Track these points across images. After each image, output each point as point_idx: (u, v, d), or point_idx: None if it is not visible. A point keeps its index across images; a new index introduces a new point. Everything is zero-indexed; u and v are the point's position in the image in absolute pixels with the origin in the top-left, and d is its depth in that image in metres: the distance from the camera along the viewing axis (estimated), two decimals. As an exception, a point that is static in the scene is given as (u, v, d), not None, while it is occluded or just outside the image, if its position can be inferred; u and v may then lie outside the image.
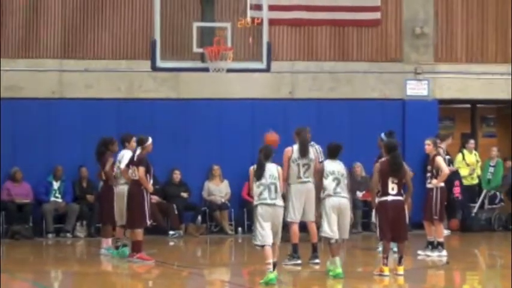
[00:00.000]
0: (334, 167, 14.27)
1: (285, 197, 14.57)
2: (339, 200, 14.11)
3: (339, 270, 13.81)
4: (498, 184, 21.25)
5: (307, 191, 15.02)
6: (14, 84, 20.66)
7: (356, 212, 20.09)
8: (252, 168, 13.44)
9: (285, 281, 13.62)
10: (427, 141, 16.65)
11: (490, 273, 15.83)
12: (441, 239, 16.34)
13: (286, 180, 14.69)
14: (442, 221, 16.80)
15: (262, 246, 13.13)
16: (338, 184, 14.17)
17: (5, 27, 20.53)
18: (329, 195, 14.08)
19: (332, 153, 14.46)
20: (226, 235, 20.46)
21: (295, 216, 14.98)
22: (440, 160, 16.45)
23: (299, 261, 14.96)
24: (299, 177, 14.96)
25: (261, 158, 13.49)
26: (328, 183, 14.16)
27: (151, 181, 16.54)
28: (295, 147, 15.06)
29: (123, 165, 16.21)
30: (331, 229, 13.94)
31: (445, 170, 16.37)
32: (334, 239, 13.98)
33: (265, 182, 13.21)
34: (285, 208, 14.44)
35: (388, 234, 13.92)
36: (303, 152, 14.97)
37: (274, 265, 13.34)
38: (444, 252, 16.15)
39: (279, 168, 13.59)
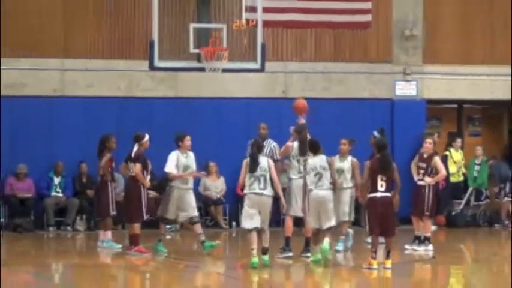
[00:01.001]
0: (316, 162, 14.65)
1: (285, 190, 14.83)
2: (320, 193, 14.52)
3: (319, 256, 14.29)
4: (483, 182, 21.33)
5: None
6: (16, 82, 20.70)
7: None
8: (246, 161, 13.87)
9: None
10: (429, 140, 16.72)
11: (475, 267, 15.94)
12: (428, 234, 16.45)
13: (285, 172, 15.11)
14: (432, 218, 16.92)
15: (250, 230, 13.81)
16: (320, 178, 14.62)
17: (7, 27, 20.55)
18: (311, 190, 14.51)
19: (313, 149, 14.72)
20: (221, 229, 20.61)
21: (294, 212, 15.06)
22: (439, 160, 16.57)
23: (291, 254, 15.05)
24: (300, 172, 15.05)
25: (254, 151, 14.14)
26: (310, 179, 14.55)
27: (149, 177, 16.63)
28: (295, 144, 15.13)
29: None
30: (313, 220, 14.46)
31: (444, 171, 16.53)
32: (316, 228, 14.50)
33: (256, 174, 13.82)
34: (287, 202, 14.74)
35: (376, 229, 14.07)
36: (302, 151, 15.05)
37: (267, 249, 14.04)
38: (430, 247, 16.28)
39: (270, 160, 14.23)
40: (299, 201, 15.00)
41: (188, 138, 16.17)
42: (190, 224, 16.38)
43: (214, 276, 14.67)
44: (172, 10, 18.55)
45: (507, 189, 21.36)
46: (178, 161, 15.91)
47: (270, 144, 16.14)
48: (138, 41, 20.21)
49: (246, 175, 14.13)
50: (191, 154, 16.10)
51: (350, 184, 16.07)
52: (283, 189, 14.90)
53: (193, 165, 16.14)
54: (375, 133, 16.54)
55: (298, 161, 15.13)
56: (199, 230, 16.12)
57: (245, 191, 14.15)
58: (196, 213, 16.22)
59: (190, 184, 16.24)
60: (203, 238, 16.01)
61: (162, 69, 19.11)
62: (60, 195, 20.63)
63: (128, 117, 20.02)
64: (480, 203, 21.63)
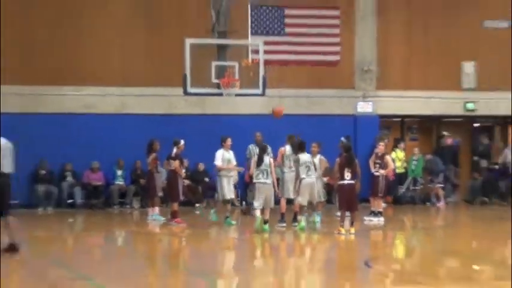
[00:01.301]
0: (305, 158, 14.87)
1: (278, 180, 14.99)
2: (309, 180, 14.76)
3: (303, 224, 14.67)
4: (419, 173, 21.38)
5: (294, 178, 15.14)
6: (89, 104, 20.82)
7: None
8: (254, 159, 14.22)
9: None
10: (381, 143, 16.82)
11: (413, 233, 16.10)
12: (380, 209, 16.58)
13: (280, 167, 15.10)
14: (383, 198, 17.02)
15: (258, 209, 14.20)
16: (309, 170, 14.79)
17: (82, 65, 20.58)
18: (303, 178, 14.69)
19: (301, 148, 14.88)
20: (235, 206, 20.64)
21: (287, 195, 15.16)
22: (389, 158, 16.67)
23: (284, 225, 15.15)
24: (290, 167, 15.13)
25: (260, 153, 14.37)
26: (302, 170, 14.75)
27: (184, 170, 16.76)
28: (287, 147, 15.23)
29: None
30: (303, 199, 14.74)
31: (392, 166, 16.66)
32: (304, 205, 14.83)
33: (261, 168, 13.99)
34: (281, 188, 14.92)
35: (344, 206, 14.25)
36: (294, 151, 15.15)
37: (267, 221, 14.30)
38: (382, 219, 16.39)
39: (271, 159, 14.34)
40: (290, 188, 15.11)
41: (229, 139, 16.07)
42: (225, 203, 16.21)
43: (230, 239, 14.81)
44: (199, 52, 18.60)
45: (440, 178, 21.28)
46: (223, 156, 15.83)
47: (267, 148, 16.20)
48: (175, 74, 20.16)
49: (254, 169, 14.40)
50: (231, 152, 15.97)
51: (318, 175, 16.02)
52: (277, 179, 15.13)
53: (233, 160, 16.00)
54: (343, 139, 16.59)
55: (289, 160, 15.19)
56: (229, 208, 16.29)
57: (254, 181, 14.45)
58: (232, 196, 16.31)
59: (232, 173, 16.20)
60: (228, 215, 16.06)
61: (192, 94, 18.95)
62: (122, 183, 20.77)
63: (168, 128, 19.93)
64: (416, 187, 21.71)
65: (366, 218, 16.43)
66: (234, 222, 16.05)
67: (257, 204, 14.30)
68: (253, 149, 17.18)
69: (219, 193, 16.09)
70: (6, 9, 19.94)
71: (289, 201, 15.54)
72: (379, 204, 16.60)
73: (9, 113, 19.32)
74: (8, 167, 11.48)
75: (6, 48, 19.95)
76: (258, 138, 16.97)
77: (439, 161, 21.35)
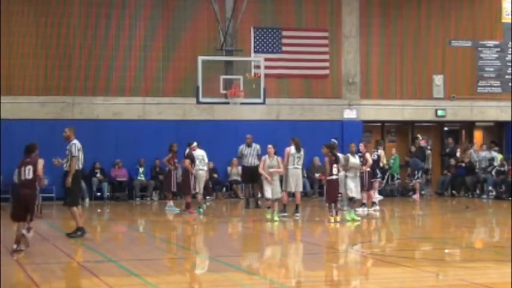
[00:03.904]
0: (301, 155, 14.80)
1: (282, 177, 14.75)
2: (297, 171, 14.72)
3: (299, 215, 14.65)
4: (396, 169, 21.21)
5: (297, 173, 14.94)
6: (116, 111, 20.73)
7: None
8: (264, 158, 13.97)
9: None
10: (361, 144, 16.67)
11: (392, 219, 15.96)
12: (365, 201, 16.31)
13: (285, 166, 14.77)
14: (369, 192, 16.64)
15: (267, 199, 13.99)
16: (298, 162, 14.76)
17: (108, 75, 20.50)
18: (289, 169, 14.64)
19: (297, 146, 14.72)
20: (239, 199, 20.55)
21: (290, 189, 14.90)
22: (369, 156, 16.52)
23: (286, 214, 14.87)
24: (293, 164, 14.91)
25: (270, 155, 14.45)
26: (291, 161, 14.66)
27: (206, 168, 16.69)
28: (292, 147, 14.99)
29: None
30: (290, 187, 14.70)
31: (370, 161, 16.45)
32: (291, 191, 14.77)
33: (268, 165, 13.68)
34: (285, 183, 14.72)
35: (331, 198, 14.05)
36: (297, 150, 14.94)
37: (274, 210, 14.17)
38: (377, 208, 16.41)
39: (279, 158, 14.06)
40: (293, 183, 14.84)
41: (195, 143, 16.12)
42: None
43: (237, 226, 14.68)
44: (209, 67, 18.61)
45: (419, 174, 20.95)
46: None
47: (256, 147, 16.87)
48: (189, 86, 20.20)
49: (264, 167, 14.04)
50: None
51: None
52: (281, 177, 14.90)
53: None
54: (333, 140, 16.49)
55: (293, 158, 14.93)
56: (201, 199, 16.48)
57: (262, 178, 14.10)
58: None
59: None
60: (201, 205, 16.24)
61: (203, 103, 19.09)
62: (143, 179, 20.61)
63: (183, 132, 19.91)
64: (394, 182, 21.52)
65: (357, 209, 15.95)
66: (202, 210, 16.06)
67: (266, 196, 14.03)
68: (244, 149, 17.22)
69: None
70: (47, 32, 20.01)
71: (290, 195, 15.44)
72: (370, 196, 16.40)
73: (50, 120, 19.47)
74: (80, 164, 11.79)
75: (49, 63, 20.00)
76: (248, 141, 17.27)
77: (419, 161, 21.17)
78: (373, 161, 16.71)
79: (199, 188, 16.32)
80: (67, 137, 11.77)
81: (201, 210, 16.14)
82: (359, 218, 14.08)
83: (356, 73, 22.10)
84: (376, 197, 17.31)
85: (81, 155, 11.70)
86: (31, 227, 10.02)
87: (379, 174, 17.98)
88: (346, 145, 20.46)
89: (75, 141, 11.71)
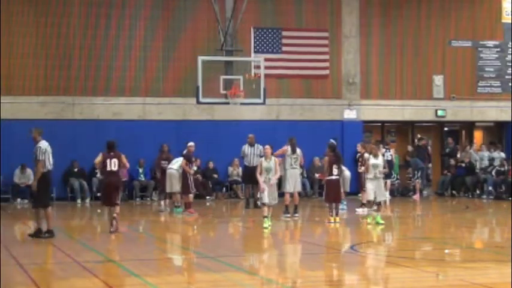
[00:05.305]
0: (295, 155, 14.80)
1: (281, 178, 14.64)
2: (294, 171, 14.72)
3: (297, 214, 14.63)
4: (396, 170, 21.15)
5: (295, 174, 14.93)
6: (116, 111, 20.68)
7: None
8: (260, 161, 13.69)
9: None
10: (359, 145, 16.63)
11: (393, 218, 15.92)
12: (365, 201, 16.13)
13: (283, 166, 14.69)
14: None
15: (264, 204, 13.42)
16: (295, 162, 14.77)
17: (108, 75, 20.48)
18: (287, 170, 14.70)
19: (293, 147, 14.72)
20: (239, 199, 20.51)
21: (289, 189, 14.88)
22: (367, 157, 16.42)
23: (288, 215, 14.85)
24: (291, 165, 14.92)
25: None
26: (288, 162, 14.70)
27: (194, 167, 16.55)
28: (289, 147, 14.95)
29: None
30: (288, 187, 14.72)
31: (369, 162, 16.32)
32: (290, 192, 14.70)
33: (265, 167, 13.41)
34: (284, 184, 14.67)
35: (331, 198, 14.03)
36: (293, 150, 14.94)
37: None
38: (366, 209, 16.08)
39: (276, 159, 13.84)
40: (291, 183, 14.83)
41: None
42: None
43: (236, 226, 14.70)
44: (209, 68, 18.60)
45: (419, 174, 20.91)
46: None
47: (259, 147, 16.54)
48: (189, 86, 20.18)
49: (261, 169, 13.49)
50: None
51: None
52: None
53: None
54: (332, 140, 16.47)
55: (290, 158, 14.93)
56: (179, 199, 16.32)
57: (261, 179, 13.37)
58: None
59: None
60: (176, 204, 16.22)
61: (203, 103, 19.03)
62: (143, 179, 20.60)
63: (183, 132, 19.88)
64: (394, 182, 21.39)
65: (356, 209, 16.07)
66: (180, 210, 16.03)
67: (263, 200, 13.46)
68: (246, 149, 17.20)
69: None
70: (47, 32, 19.99)
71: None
72: (364, 197, 16.31)
73: (50, 120, 19.42)
74: (48, 165, 11.48)
75: (49, 63, 19.98)
76: (250, 140, 17.10)
77: (419, 161, 21.14)
78: (388, 161, 16.48)
79: (176, 188, 16.11)
80: (33, 138, 11.45)
81: (180, 209, 16.12)
82: (383, 222, 13.66)
83: (356, 73, 22.08)
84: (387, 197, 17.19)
85: (48, 156, 11.36)
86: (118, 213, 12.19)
87: (393, 175, 17.93)
88: (346, 145, 20.62)
89: (40, 143, 11.36)
